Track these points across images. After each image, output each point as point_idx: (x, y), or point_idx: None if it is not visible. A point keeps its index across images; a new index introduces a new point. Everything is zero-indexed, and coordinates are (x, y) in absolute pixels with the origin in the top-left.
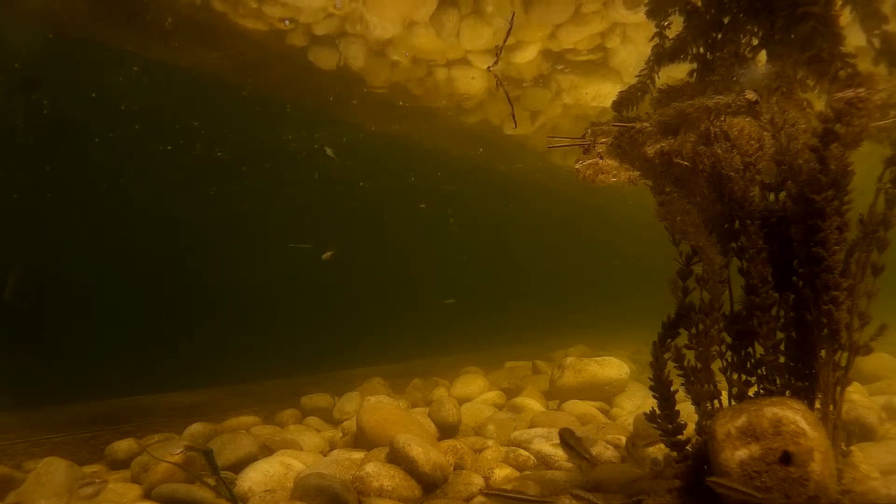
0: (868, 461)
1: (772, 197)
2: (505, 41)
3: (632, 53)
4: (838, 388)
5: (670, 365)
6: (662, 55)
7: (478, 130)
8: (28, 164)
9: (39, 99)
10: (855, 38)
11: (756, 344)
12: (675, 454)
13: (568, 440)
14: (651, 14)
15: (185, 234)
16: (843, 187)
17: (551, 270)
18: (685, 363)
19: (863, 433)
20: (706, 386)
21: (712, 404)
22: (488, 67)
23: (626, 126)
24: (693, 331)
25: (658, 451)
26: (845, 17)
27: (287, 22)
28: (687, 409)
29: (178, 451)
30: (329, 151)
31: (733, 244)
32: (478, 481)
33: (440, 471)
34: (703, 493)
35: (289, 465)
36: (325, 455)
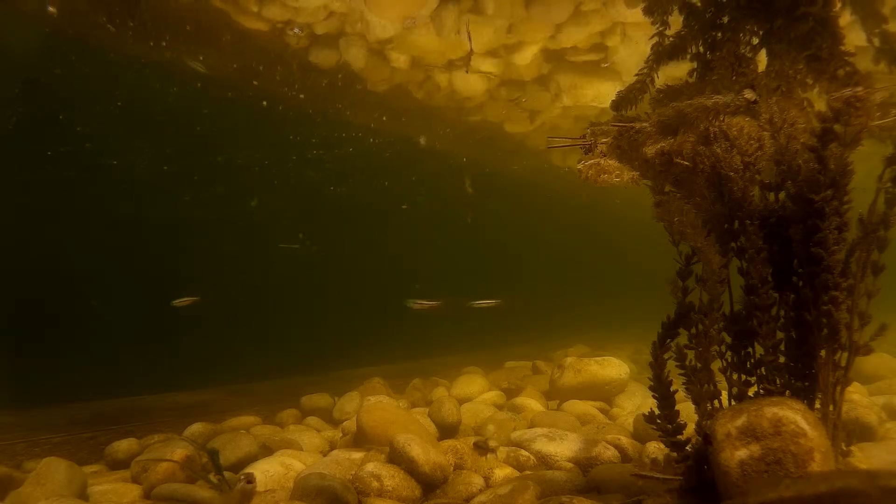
0: (868, 461)
1: (771, 197)
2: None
3: (632, 54)
4: (838, 388)
5: (670, 365)
6: (662, 54)
7: (477, 129)
8: (26, 165)
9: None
10: (855, 37)
11: (756, 344)
12: (674, 454)
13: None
14: (648, 11)
15: (184, 234)
16: (842, 187)
17: (551, 270)
18: (686, 362)
19: (863, 433)
20: (706, 386)
21: (712, 404)
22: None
23: (625, 126)
24: (693, 331)
25: (658, 450)
26: (845, 17)
27: (298, 31)
28: (687, 409)
29: (178, 450)
30: (197, 66)
31: (733, 244)
32: (478, 481)
33: (440, 471)
34: (703, 492)
35: (289, 465)
36: (325, 455)
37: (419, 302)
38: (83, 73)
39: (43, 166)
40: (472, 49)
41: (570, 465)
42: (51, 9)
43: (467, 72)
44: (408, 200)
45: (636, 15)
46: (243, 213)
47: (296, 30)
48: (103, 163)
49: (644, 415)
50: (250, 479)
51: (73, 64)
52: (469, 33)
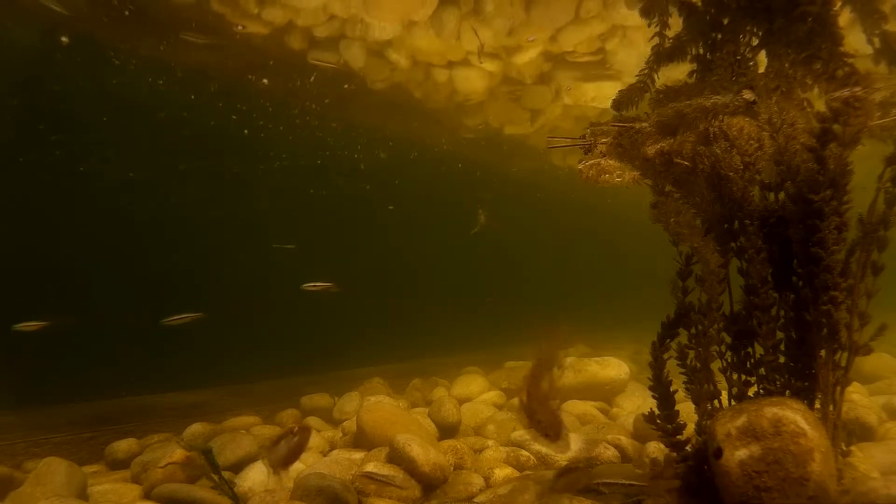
0: (868, 461)
1: (771, 197)
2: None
3: (631, 55)
4: (838, 388)
5: (670, 364)
6: (662, 55)
7: (480, 131)
8: (27, 163)
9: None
10: (855, 40)
11: (756, 344)
12: (674, 454)
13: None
14: (644, 13)
15: (183, 234)
16: (841, 187)
17: (551, 270)
18: (687, 362)
19: (863, 433)
20: (706, 386)
21: (712, 404)
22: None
23: (625, 126)
24: (692, 331)
25: (658, 450)
26: (845, 16)
27: (240, 28)
28: (687, 409)
29: (177, 451)
30: (53, 5)
31: (733, 244)
32: (478, 481)
33: (440, 471)
34: (703, 493)
35: None
36: (325, 455)
37: (314, 285)
38: (82, 73)
39: (44, 167)
40: (481, 44)
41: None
42: (63, 38)
43: (481, 62)
44: (404, 201)
45: (636, 18)
46: (242, 213)
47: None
48: (104, 162)
49: (644, 415)
50: (299, 431)
51: (71, 65)
52: (478, 36)
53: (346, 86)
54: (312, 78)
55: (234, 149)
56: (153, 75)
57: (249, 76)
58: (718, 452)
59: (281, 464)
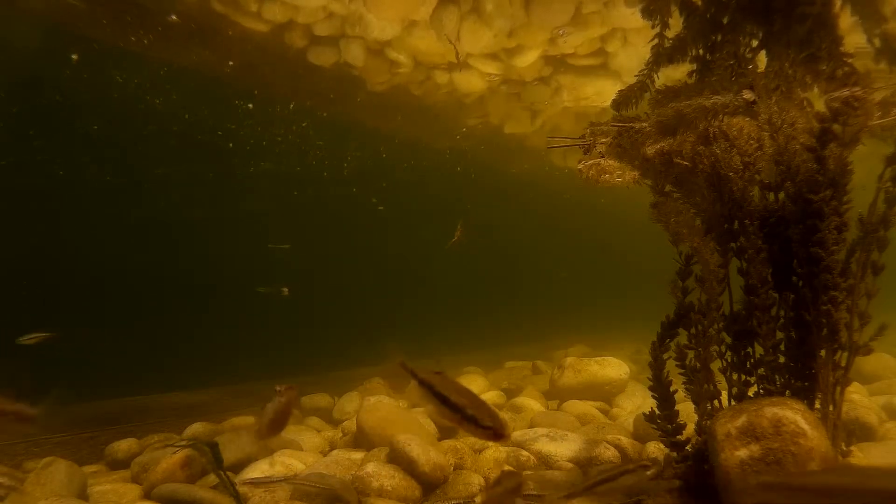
0: (868, 461)
1: (771, 197)
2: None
3: (632, 57)
4: (838, 388)
5: (670, 364)
6: (662, 55)
7: (480, 130)
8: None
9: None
10: (857, 38)
11: (756, 344)
12: (674, 454)
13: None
14: (646, 13)
15: (183, 233)
16: (841, 187)
17: (551, 270)
18: (686, 362)
19: (863, 433)
20: (706, 386)
21: (712, 404)
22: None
23: (625, 126)
24: (692, 331)
25: (658, 450)
26: (846, 17)
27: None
28: (687, 409)
29: (181, 445)
30: None
31: (733, 244)
32: (478, 481)
33: (440, 471)
34: (703, 492)
35: (289, 464)
36: (325, 455)
37: (32, 336)
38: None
39: (43, 167)
40: (458, 52)
41: (569, 465)
42: (74, 56)
43: (458, 61)
44: (402, 202)
45: (636, 20)
46: (241, 213)
47: None
48: (103, 162)
49: (644, 414)
50: (285, 390)
51: (72, 65)
52: (455, 45)
53: (322, 112)
54: (291, 105)
55: (231, 154)
56: (155, 80)
57: (236, 101)
58: (713, 471)
59: (270, 429)
